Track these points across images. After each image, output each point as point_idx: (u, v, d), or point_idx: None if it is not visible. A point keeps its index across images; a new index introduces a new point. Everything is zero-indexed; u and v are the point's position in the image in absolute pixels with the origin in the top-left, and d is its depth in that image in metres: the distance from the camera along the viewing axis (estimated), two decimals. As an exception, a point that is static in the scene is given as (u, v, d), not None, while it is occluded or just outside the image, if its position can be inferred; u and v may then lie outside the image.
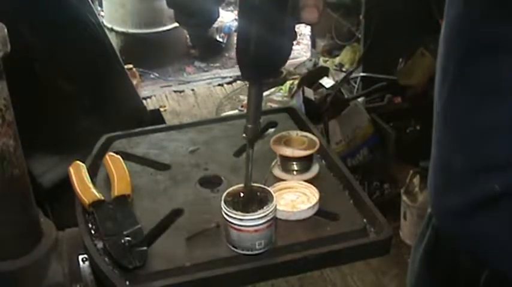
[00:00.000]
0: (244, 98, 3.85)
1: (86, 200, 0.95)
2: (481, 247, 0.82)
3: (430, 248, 0.96)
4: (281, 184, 0.98)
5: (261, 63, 0.76)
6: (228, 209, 0.83)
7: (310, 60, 3.74)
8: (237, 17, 0.76)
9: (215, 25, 4.57)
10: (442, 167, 0.85)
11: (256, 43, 0.73)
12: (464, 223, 0.82)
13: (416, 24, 2.86)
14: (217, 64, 4.65)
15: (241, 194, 0.87)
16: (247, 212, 0.83)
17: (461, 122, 0.81)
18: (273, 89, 3.43)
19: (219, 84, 4.12)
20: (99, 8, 4.43)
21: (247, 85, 0.81)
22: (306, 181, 0.99)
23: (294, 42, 0.77)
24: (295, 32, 0.77)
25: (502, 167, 0.76)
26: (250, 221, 0.83)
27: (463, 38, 0.79)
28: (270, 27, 0.73)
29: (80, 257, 0.90)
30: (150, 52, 4.32)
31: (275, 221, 0.86)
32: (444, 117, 0.83)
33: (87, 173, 1.01)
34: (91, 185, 0.98)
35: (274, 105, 3.07)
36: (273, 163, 1.05)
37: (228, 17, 4.81)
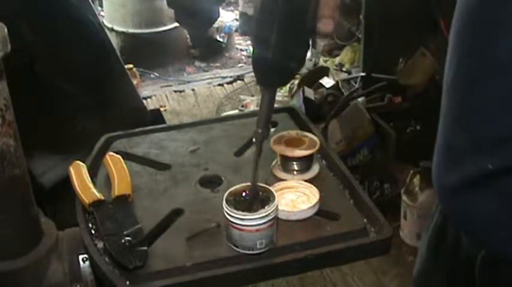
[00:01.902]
0: (244, 97, 3.84)
1: (86, 200, 0.95)
2: (471, 223, 0.85)
3: (436, 231, 0.98)
4: (281, 184, 0.98)
5: (278, 71, 0.79)
6: (230, 208, 0.83)
7: (311, 60, 3.73)
8: (254, 24, 0.77)
9: (215, 25, 4.58)
10: (444, 146, 0.88)
11: (274, 51, 0.75)
12: (460, 200, 0.85)
13: (416, 24, 2.86)
14: (218, 64, 4.65)
15: (243, 194, 0.87)
16: (249, 211, 0.83)
17: (462, 101, 0.83)
18: (273, 89, 3.42)
19: (219, 84, 4.11)
20: (99, 8, 4.43)
21: (259, 89, 0.83)
22: (306, 180, 0.99)
23: (308, 54, 0.79)
24: (309, 43, 0.80)
25: (495, 147, 0.78)
26: (252, 221, 0.83)
27: (470, 17, 0.80)
28: (289, 36, 0.75)
29: (80, 257, 0.90)
30: (150, 52, 4.32)
31: (276, 221, 0.86)
32: (448, 95, 0.86)
33: (87, 173, 1.01)
34: (91, 185, 0.98)
35: (275, 105, 3.07)
36: (273, 163, 1.05)
37: (228, 17, 4.80)
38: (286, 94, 3.36)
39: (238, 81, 4.11)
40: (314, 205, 0.93)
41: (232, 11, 5.14)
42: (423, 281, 1.04)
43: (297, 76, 3.44)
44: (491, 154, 0.78)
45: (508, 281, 0.82)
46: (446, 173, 0.88)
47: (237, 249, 0.85)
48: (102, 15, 4.35)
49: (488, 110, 0.78)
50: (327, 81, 3.12)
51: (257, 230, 0.83)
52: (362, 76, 3.06)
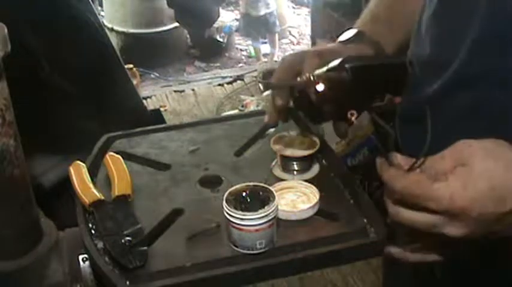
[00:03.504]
0: (244, 97, 3.84)
1: (86, 200, 0.95)
2: None
3: None
4: (281, 184, 0.98)
5: None
6: (230, 208, 0.84)
7: (310, 60, 3.74)
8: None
9: (215, 25, 4.58)
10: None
11: None
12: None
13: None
14: (217, 64, 4.66)
15: (243, 194, 0.87)
16: (249, 211, 0.83)
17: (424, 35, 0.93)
18: (273, 89, 3.42)
19: (219, 84, 4.12)
20: (99, 8, 4.44)
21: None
22: (306, 180, 0.99)
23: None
24: None
25: (441, 68, 0.86)
26: (252, 221, 0.83)
27: None
28: None
29: (80, 257, 0.90)
30: (150, 52, 4.32)
31: (276, 221, 0.86)
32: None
33: (87, 173, 1.01)
34: (91, 185, 0.98)
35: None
36: (273, 163, 1.05)
37: (228, 17, 4.81)
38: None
39: (238, 81, 4.12)
40: (314, 205, 0.93)
41: (232, 11, 5.14)
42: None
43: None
44: (438, 78, 0.86)
45: None
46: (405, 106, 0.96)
47: (237, 249, 0.85)
48: (102, 15, 4.36)
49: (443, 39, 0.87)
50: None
51: (257, 230, 0.83)
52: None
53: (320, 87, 0.87)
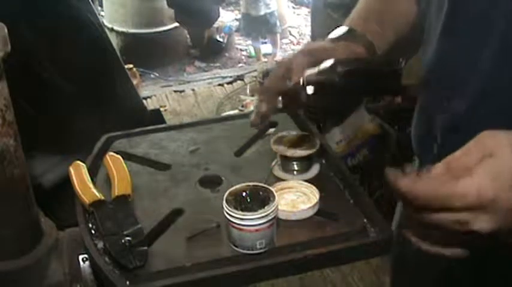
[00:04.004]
0: (244, 97, 3.85)
1: (86, 200, 0.95)
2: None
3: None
4: (281, 184, 0.98)
5: None
6: (230, 208, 0.84)
7: (310, 60, 3.73)
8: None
9: (215, 25, 4.59)
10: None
11: None
12: None
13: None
14: (217, 64, 4.66)
15: (243, 194, 0.87)
16: (249, 211, 0.83)
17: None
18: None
19: (219, 84, 4.12)
20: (99, 8, 4.44)
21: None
22: (306, 180, 0.99)
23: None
24: None
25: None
26: (252, 221, 0.83)
27: None
28: None
29: (80, 257, 0.90)
30: (150, 52, 4.33)
31: (276, 221, 0.86)
32: None
33: (87, 173, 1.01)
34: (91, 185, 0.98)
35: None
36: (273, 163, 1.05)
37: (228, 17, 4.81)
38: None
39: (238, 81, 4.12)
40: (314, 205, 0.93)
41: (232, 11, 5.15)
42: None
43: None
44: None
45: None
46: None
47: (237, 249, 0.85)
48: (102, 15, 4.36)
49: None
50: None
51: (257, 230, 0.83)
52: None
53: (310, 89, 0.86)
